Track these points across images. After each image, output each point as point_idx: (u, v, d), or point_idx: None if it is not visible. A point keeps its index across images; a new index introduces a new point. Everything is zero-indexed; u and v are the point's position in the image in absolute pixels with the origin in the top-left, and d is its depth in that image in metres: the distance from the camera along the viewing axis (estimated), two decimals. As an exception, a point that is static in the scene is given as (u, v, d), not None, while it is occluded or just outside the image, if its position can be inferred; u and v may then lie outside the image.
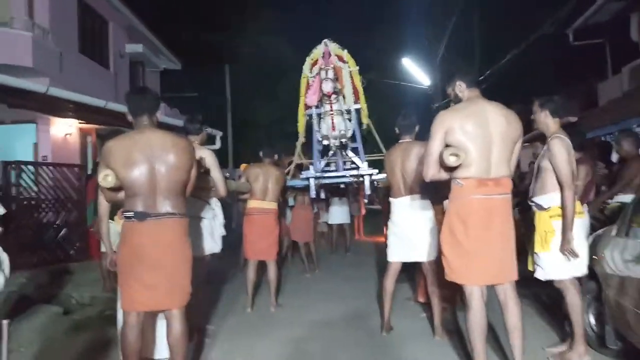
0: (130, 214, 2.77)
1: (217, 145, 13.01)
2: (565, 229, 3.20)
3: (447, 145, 2.89)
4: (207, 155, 3.85)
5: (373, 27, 23.65)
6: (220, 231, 4.23)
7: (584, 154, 4.36)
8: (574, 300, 3.30)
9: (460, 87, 3.10)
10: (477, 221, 2.87)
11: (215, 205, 4.24)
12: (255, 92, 22.61)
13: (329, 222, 9.34)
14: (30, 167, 7.80)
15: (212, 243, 4.10)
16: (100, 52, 12.93)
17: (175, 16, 21.39)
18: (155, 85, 16.09)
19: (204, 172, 3.71)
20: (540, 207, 3.37)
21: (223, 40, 22.44)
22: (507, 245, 2.94)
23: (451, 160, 2.80)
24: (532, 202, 3.46)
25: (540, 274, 3.38)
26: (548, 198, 3.33)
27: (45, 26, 10.18)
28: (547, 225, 3.31)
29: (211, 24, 22.66)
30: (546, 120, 3.42)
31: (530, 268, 3.49)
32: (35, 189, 7.71)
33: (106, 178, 2.72)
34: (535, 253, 3.38)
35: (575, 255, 3.20)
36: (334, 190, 8.00)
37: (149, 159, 2.77)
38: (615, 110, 10.98)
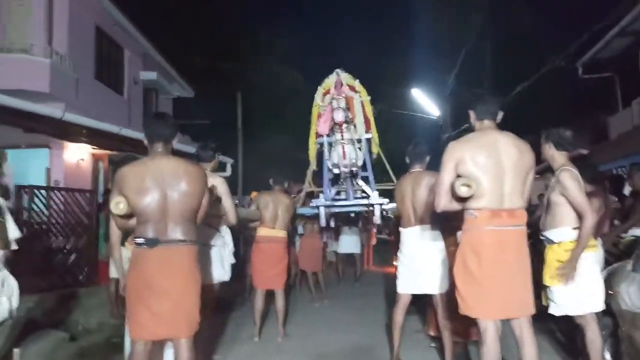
0: (141, 240, 2.76)
1: (228, 172, 13.06)
2: (574, 256, 3.16)
3: (458, 176, 2.88)
4: (218, 183, 3.87)
5: (383, 58, 23.94)
6: (230, 259, 4.22)
7: (596, 187, 4.33)
8: (594, 337, 3.22)
9: (472, 117, 3.10)
10: (491, 253, 2.82)
11: (225, 233, 4.24)
12: (267, 120, 22.84)
13: (338, 251, 9.26)
14: (42, 192, 7.86)
15: (222, 271, 4.07)
16: (115, 79, 13.20)
17: (189, 45, 21.81)
18: (167, 112, 16.32)
19: (215, 200, 3.72)
20: (551, 242, 3.34)
21: (235, 69, 22.81)
22: (523, 278, 2.88)
23: (463, 191, 2.79)
24: (543, 236, 3.42)
25: (555, 310, 3.31)
26: (559, 232, 3.29)
27: (63, 52, 10.42)
28: (560, 257, 3.26)
29: (224, 52, 23.09)
30: (551, 153, 3.41)
31: (544, 303, 3.42)
32: (46, 213, 7.75)
33: (118, 205, 2.73)
34: (547, 287, 3.32)
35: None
36: (344, 219, 7.97)
37: (161, 185, 2.77)
38: (626, 143, 10.95)
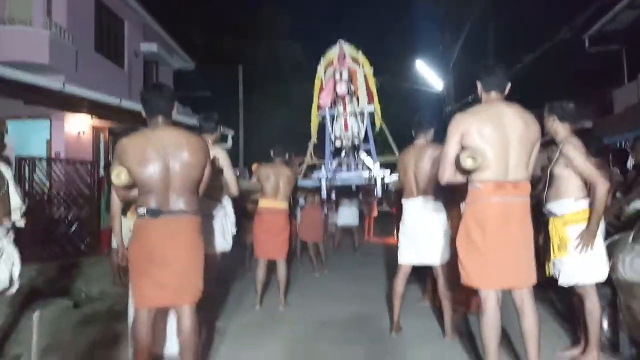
0: (143, 210, 2.75)
1: (229, 144, 13.05)
2: (593, 222, 3.14)
3: (463, 148, 2.86)
4: (220, 155, 3.86)
5: (387, 30, 23.66)
6: (232, 229, 4.24)
7: (601, 160, 4.30)
8: (593, 307, 3.25)
9: (479, 88, 3.05)
10: (494, 225, 2.81)
11: (227, 204, 4.24)
12: (268, 92, 22.69)
13: (337, 223, 9.31)
14: (44, 163, 7.87)
15: (223, 241, 4.09)
16: (116, 51, 13.09)
17: (190, 17, 21.53)
18: (168, 84, 16.20)
19: (216, 171, 3.71)
20: (554, 214, 3.34)
21: (237, 41, 22.57)
22: (526, 249, 2.89)
23: (468, 163, 2.76)
24: (546, 209, 3.42)
25: (564, 280, 3.31)
26: (562, 204, 3.29)
27: (62, 25, 10.33)
28: (561, 232, 3.29)
29: (225, 24, 22.82)
30: (554, 126, 3.38)
31: (548, 274, 3.44)
32: (47, 184, 7.78)
33: (119, 176, 2.70)
34: (555, 259, 3.34)
35: (586, 248, 3.17)
36: (345, 192, 7.97)
37: (162, 156, 2.75)
38: (631, 117, 10.87)
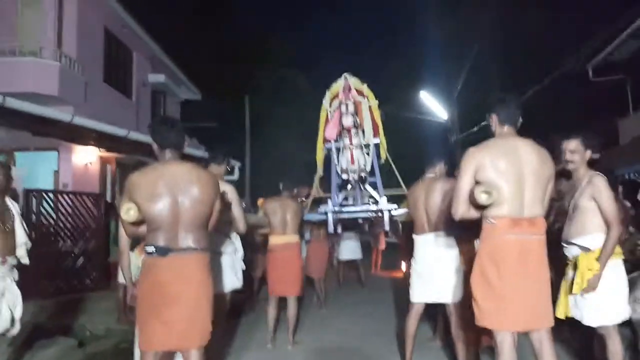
0: (152, 248, 2.69)
1: (236, 176, 13.05)
2: (601, 267, 3.10)
3: (477, 182, 2.81)
4: (228, 190, 3.82)
5: (391, 61, 23.91)
6: (241, 265, 4.17)
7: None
8: (616, 348, 3.14)
9: (493, 121, 3.01)
10: (510, 263, 2.73)
11: (236, 239, 4.18)
12: (275, 122, 22.81)
13: (340, 258, 9.12)
14: (51, 195, 7.85)
15: (234, 278, 4.02)
16: (124, 82, 13.24)
17: (196, 47, 21.85)
18: (175, 115, 16.35)
19: (225, 207, 3.67)
20: (585, 249, 3.23)
21: (243, 71, 22.83)
22: (543, 289, 2.79)
23: (483, 198, 2.70)
24: (571, 244, 3.32)
25: (590, 320, 3.20)
26: (592, 239, 3.20)
27: (72, 56, 10.45)
28: (594, 266, 3.16)
29: (231, 55, 23.13)
30: (584, 159, 3.33)
31: (560, 314, 3.31)
32: (54, 216, 7.73)
33: (128, 212, 2.66)
34: (576, 295, 3.23)
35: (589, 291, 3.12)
36: (351, 225, 7.86)
37: (172, 192, 2.71)
38: (639, 148, 10.82)
